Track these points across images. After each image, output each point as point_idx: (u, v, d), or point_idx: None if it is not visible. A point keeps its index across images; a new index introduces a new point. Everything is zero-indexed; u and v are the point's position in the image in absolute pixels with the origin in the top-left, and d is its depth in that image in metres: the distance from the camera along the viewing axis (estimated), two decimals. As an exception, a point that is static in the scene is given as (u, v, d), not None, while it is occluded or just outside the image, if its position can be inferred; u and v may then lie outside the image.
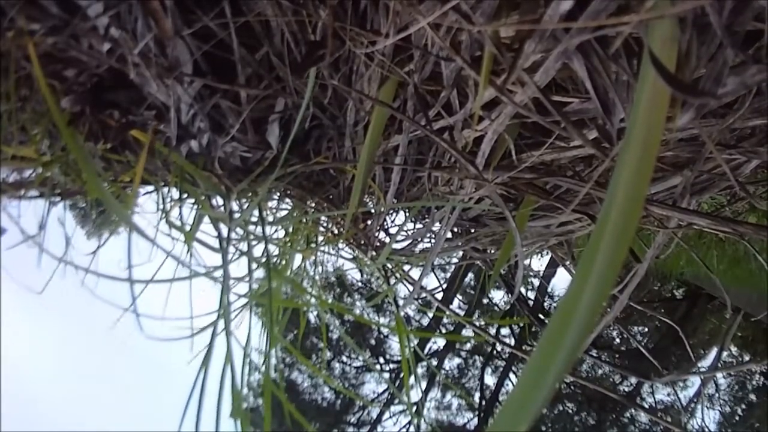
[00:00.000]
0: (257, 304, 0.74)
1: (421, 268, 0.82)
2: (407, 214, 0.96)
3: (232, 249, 0.68)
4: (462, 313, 4.52)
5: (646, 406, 4.28)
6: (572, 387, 4.55)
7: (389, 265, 0.93)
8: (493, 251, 0.92)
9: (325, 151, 0.72)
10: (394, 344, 4.81)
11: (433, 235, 0.84)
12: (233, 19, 0.50)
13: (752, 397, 4.36)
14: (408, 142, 0.60)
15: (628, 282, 0.57)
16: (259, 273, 0.76)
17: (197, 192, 0.70)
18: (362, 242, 0.89)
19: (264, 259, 0.70)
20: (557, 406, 4.60)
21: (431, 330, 4.00)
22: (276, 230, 0.92)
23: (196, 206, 0.74)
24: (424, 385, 4.66)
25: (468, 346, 4.92)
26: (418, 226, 0.96)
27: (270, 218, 0.88)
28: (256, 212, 0.73)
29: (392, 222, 0.99)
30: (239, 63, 0.56)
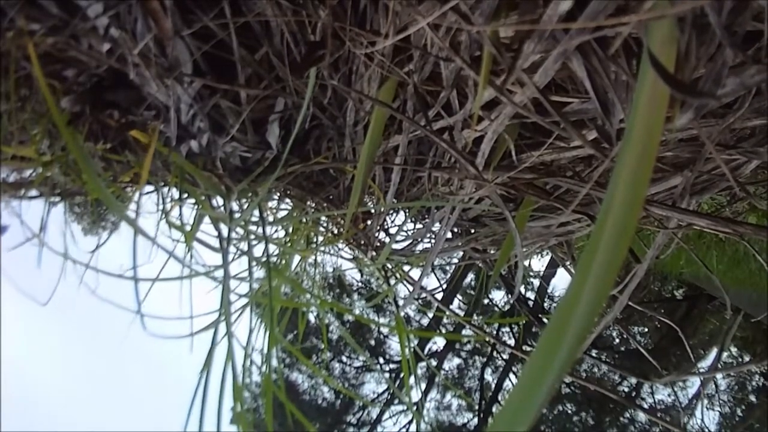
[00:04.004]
0: (257, 304, 0.74)
1: (421, 269, 0.82)
2: (407, 214, 0.96)
3: (232, 249, 0.68)
4: (462, 313, 4.53)
5: (646, 407, 4.28)
6: (572, 387, 4.55)
7: (389, 266, 0.93)
8: (493, 251, 0.92)
9: (325, 151, 0.72)
10: (394, 344, 4.81)
11: (433, 236, 0.84)
12: (233, 20, 0.50)
13: (752, 397, 4.36)
14: (408, 142, 0.60)
15: (627, 282, 0.57)
16: (260, 273, 0.76)
17: (197, 192, 0.70)
18: (362, 242, 0.89)
19: (264, 259, 0.70)
20: (557, 406, 4.60)
21: (431, 330, 4.01)
22: (276, 230, 0.92)
23: (196, 206, 0.74)
24: (424, 385, 4.66)
25: (468, 346, 4.92)
26: (418, 226, 0.96)
27: (270, 218, 0.88)
28: (256, 212, 0.73)
29: (392, 222, 0.99)
30: (239, 63, 0.56)
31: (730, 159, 0.54)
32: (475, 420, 4.80)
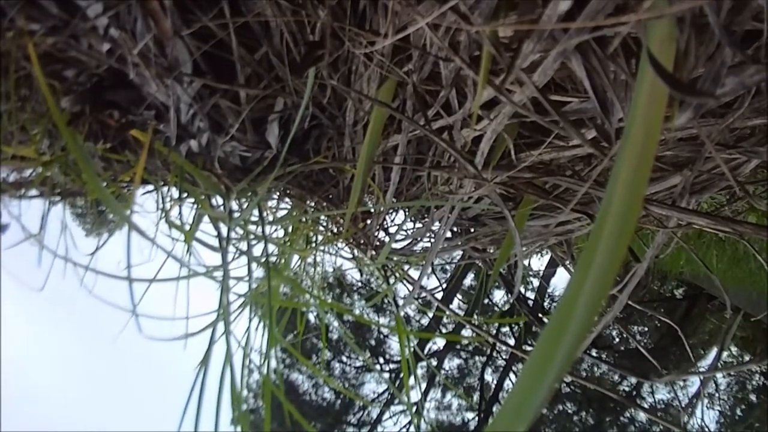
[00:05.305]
0: (257, 303, 0.74)
1: (421, 268, 0.82)
2: (407, 214, 0.96)
3: (231, 248, 0.68)
4: (462, 312, 4.53)
5: (646, 406, 4.28)
6: (572, 386, 4.55)
7: (389, 265, 0.93)
8: (492, 250, 0.92)
9: (325, 150, 0.72)
10: (394, 344, 4.81)
11: (433, 235, 0.84)
12: (232, 20, 0.50)
13: (752, 397, 4.36)
14: (407, 142, 0.60)
15: (627, 282, 0.57)
16: (259, 272, 0.76)
17: (197, 191, 0.70)
18: (362, 242, 0.89)
19: (263, 259, 0.70)
20: (557, 406, 4.60)
21: (431, 330, 4.01)
22: (275, 230, 0.92)
23: (195, 206, 0.74)
24: (424, 385, 4.66)
25: (469, 346, 4.93)
26: (418, 225, 0.96)
27: (269, 218, 0.88)
28: (255, 212, 0.73)
29: (392, 221, 0.99)
30: (239, 63, 0.56)
31: (730, 158, 0.54)
32: (475, 420, 4.80)
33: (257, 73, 0.57)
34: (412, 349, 0.88)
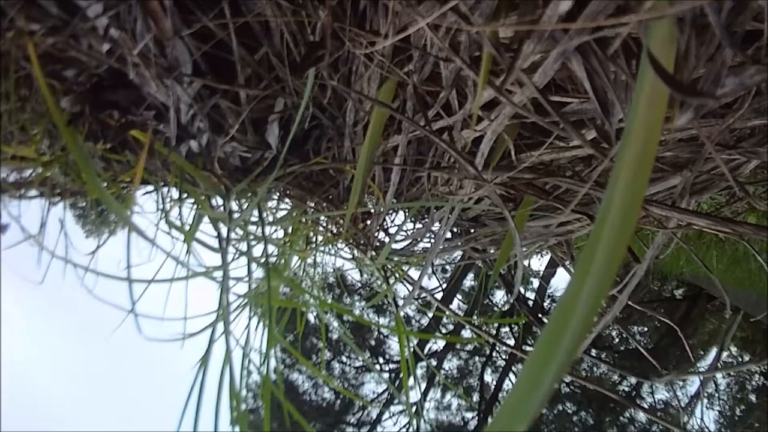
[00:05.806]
0: (256, 304, 0.74)
1: (422, 268, 0.82)
2: (407, 214, 0.96)
3: (231, 249, 0.68)
4: (462, 313, 4.52)
5: (646, 406, 4.28)
6: (572, 386, 4.55)
7: (389, 265, 0.93)
8: (492, 251, 0.92)
9: (325, 151, 0.72)
10: (393, 344, 4.81)
11: (433, 235, 0.84)
12: (232, 20, 0.50)
13: (751, 397, 4.37)
14: (407, 143, 0.60)
15: (627, 282, 0.57)
16: (259, 273, 0.76)
17: (197, 192, 0.70)
18: (362, 242, 0.89)
19: (263, 259, 0.70)
20: (557, 406, 4.60)
21: (431, 330, 4.00)
22: (275, 230, 0.92)
23: (195, 206, 0.74)
24: (423, 385, 4.66)
25: (469, 346, 4.93)
26: (418, 226, 0.96)
27: (269, 218, 0.88)
28: (255, 212, 0.73)
29: (392, 222, 0.99)
30: (239, 63, 0.56)
31: (730, 159, 0.54)
32: (475, 420, 4.80)
33: (257, 73, 0.57)
34: (411, 350, 0.88)
